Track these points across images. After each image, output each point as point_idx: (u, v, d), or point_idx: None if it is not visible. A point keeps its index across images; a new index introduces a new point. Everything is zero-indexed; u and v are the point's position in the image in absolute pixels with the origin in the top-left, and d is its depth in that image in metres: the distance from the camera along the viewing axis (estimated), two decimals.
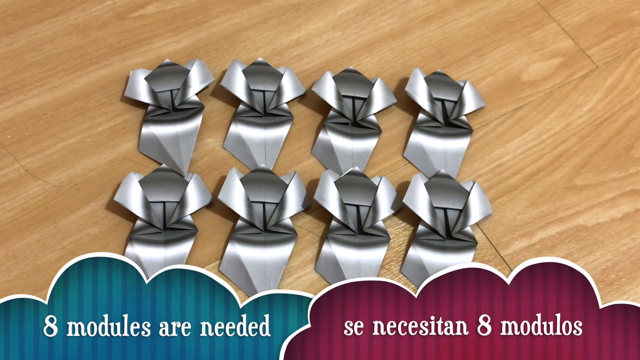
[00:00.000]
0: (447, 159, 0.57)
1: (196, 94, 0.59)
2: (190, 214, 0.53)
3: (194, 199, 0.54)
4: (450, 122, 0.58)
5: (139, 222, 0.53)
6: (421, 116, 0.59)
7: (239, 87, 0.58)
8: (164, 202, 0.53)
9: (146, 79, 0.59)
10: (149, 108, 0.58)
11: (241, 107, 0.59)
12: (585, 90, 0.61)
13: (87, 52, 0.62)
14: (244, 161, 0.57)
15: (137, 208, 0.52)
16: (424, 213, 0.53)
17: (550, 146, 0.58)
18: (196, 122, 0.57)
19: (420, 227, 0.53)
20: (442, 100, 0.59)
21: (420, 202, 0.53)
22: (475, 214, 0.53)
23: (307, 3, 0.65)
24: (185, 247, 0.52)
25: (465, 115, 0.59)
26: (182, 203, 0.53)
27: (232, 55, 0.62)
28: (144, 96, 0.58)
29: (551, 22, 0.64)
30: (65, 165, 0.57)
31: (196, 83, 0.59)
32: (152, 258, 0.52)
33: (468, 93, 0.59)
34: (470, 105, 0.59)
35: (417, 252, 0.53)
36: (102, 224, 0.54)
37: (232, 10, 0.65)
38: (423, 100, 0.58)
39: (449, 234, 0.53)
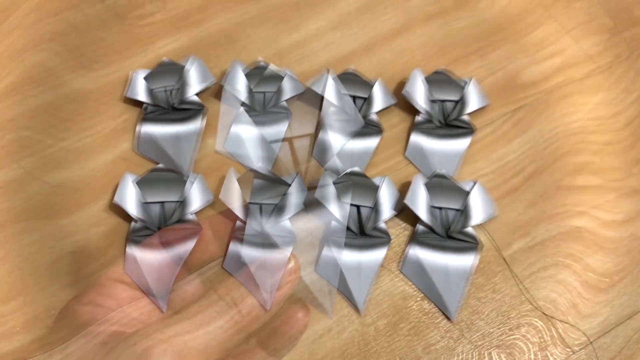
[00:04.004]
0: (447, 159, 0.57)
1: (196, 94, 0.59)
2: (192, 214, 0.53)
3: (197, 199, 0.53)
4: (450, 123, 0.58)
5: (138, 223, 0.53)
6: (421, 116, 0.58)
7: (239, 87, 0.58)
8: (162, 203, 0.53)
9: (145, 78, 0.59)
10: (147, 108, 0.58)
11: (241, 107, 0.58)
12: (585, 90, 0.61)
13: (87, 52, 0.62)
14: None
15: (134, 209, 0.52)
16: (424, 214, 0.53)
17: (551, 146, 0.58)
18: (198, 123, 0.57)
19: (420, 227, 0.53)
20: (443, 101, 0.59)
21: (420, 202, 0.53)
22: (477, 214, 0.53)
23: (307, 2, 0.65)
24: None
25: (469, 113, 0.59)
26: (184, 203, 0.53)
27: (232, 55, 0.62)
28: (144, 96, 0.58)
29: (551, 22, 0.64)
30: (65, 165, 0.56)
31: (195, 83, 0.59)
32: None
33: (472, 91, 0.59)
34: (473, 103, 0.58)
35: (417, 252, 0.53)
36: (102, 224, 0.54)
37: (232, 9, 0.65)
38: (421, 102, 0.58)
39: (448, 233, 0.53)
